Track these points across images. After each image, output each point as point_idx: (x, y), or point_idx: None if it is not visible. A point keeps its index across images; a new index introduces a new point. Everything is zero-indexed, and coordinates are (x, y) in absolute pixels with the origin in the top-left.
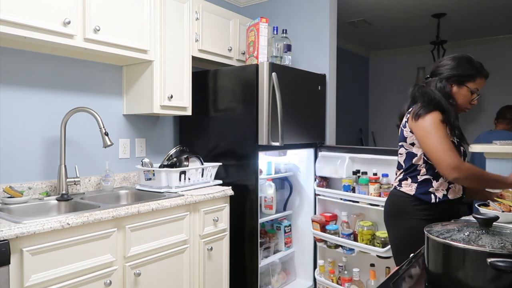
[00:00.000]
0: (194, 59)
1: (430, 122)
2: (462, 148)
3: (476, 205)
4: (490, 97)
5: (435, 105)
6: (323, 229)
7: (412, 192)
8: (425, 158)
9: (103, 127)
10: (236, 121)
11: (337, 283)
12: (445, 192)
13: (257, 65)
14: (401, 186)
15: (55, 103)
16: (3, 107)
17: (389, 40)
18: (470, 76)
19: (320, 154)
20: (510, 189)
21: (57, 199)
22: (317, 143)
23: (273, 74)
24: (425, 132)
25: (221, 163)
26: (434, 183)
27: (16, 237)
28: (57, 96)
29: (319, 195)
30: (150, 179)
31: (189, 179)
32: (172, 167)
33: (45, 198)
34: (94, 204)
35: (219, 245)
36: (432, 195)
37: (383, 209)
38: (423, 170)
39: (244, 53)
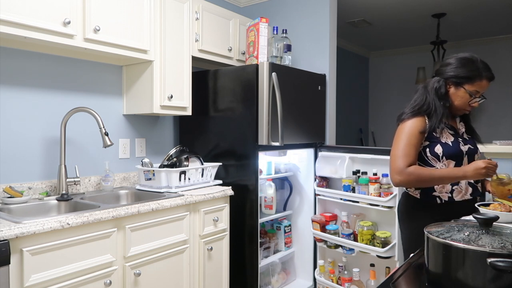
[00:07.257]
0: (194, 59)
1: (406, 129)
2: (467, 146)
3: (476, 205)
4: (489, 97)
5: (420, 110)
6: (323, 229)
7: (418, 196)
8: (426, 159)
9: (103, 127)
10: (236, 121)
11: (337, 283)
12: (449, 195)
13: (257, 65)
14: (408, 190)
15: (55, 103)
16: (3, 107)
17: (389, 40)
18: (467, 78)
19: (320, 154)
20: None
21: (57, 199)
22: (317, 143)
23: (273, 74)
24: (397, 136)
25: (221, 163)
26: (436, 187)
27: (16, 237)
28: (57, 96)
29: (319, 195)
30: (150, 179)
31: (189, 179)
32: (172, 167)
33: (45, 198)
34: (94, 204)
35: (219, 245)
36: (438, 198)
37: (383, 209)
38: None
39: (244, 53)
